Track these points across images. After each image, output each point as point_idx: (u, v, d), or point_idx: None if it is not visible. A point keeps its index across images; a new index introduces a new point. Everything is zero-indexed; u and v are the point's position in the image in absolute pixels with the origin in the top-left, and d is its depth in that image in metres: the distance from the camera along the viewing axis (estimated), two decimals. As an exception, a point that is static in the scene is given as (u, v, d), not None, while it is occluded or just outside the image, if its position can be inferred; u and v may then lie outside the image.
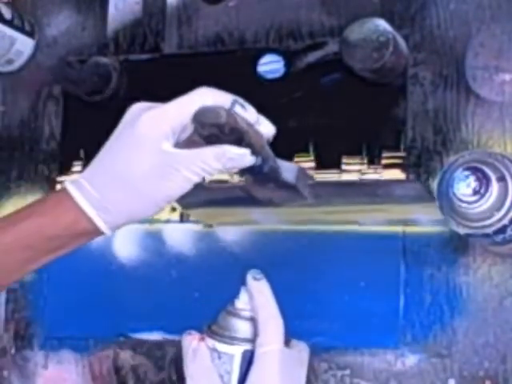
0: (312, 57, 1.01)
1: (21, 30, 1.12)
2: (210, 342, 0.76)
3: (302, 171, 0.79)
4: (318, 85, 1.00)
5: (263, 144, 0.72)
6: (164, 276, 1.02)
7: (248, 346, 0.76)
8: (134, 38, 1.10)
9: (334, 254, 0.96)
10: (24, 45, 1.13)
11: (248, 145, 0.70)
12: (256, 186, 0.78)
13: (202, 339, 0.77)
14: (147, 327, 1.02)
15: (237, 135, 0.69)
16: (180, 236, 1.02)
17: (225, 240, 1.01)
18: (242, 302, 0.77)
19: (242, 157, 0.70)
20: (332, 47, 1.00)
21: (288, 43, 1.03)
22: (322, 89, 1.00)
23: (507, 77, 0.91)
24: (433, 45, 0.97)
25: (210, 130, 0.69)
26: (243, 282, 0.77)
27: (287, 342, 0.77)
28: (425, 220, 0.92)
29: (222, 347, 0.76)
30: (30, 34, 1.13)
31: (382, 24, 0.92)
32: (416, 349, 0.92)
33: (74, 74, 1.08)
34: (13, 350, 1.07)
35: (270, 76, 1.02)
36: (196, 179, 0.71)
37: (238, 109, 0.70)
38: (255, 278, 0.77)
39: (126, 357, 1.02)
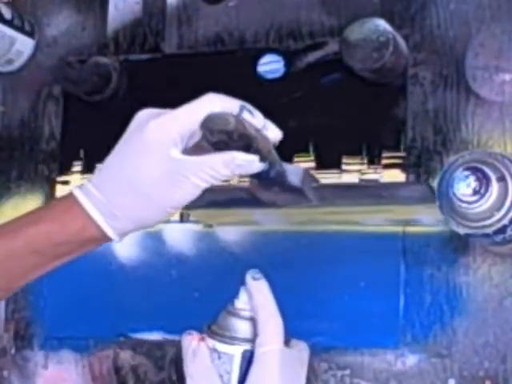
0: (312, 57, 1.02)
1: (21, 30, 1.12)
2: (210, 342, 0.76)
3: (307, 174, 0.79)
4: (318, 85, 1.01)
5: (270, 149, 0.72)
6: (164, 276, 1.02)
7: (248, 346, 0.76)
8: (134, 38, 1.10)
9: (334, 254, 0.96)
10: (24, 45, 1.13)
11: (256, 151, 0.70)
12: (261, 189, 0.78)
13: (202, 339, 0.77)
14: (147, 327, 1.02)
15: (245, 141, 0.69)
16: (180, 236, 1.02)
17: (225, 240, 1.01)
18: (241, 302, 0.77)
19: (251, 163, 0.70)
20: (332, 47, 1.00)
21: (288, 43, 1.03)
22: (322, 89, 1.00)
23: (507, 77, 0.91)
24: (433, 45, 0.97)
25: (219, 137, 0.69)
26: (243, 282, 0.77)
27: (287, 342, 0.77)
28: (428, 220, 0.92)
29: (221, 347, 0.76)
30: (30, 34, 1.13)
31: (382, 24, 0.92)
32: (416, 349, 0.92)
33: (74, 74, 1.08)
34: (13, 350, 1.07)
35: (270, 76, 1.02)
36: (204, 185, 0.71)
37: (245, 115, 0.70)
38: (254, 278, 0.77)
39: (126, 357, 1.02)
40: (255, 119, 0.71)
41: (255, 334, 0.76)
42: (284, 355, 0.76)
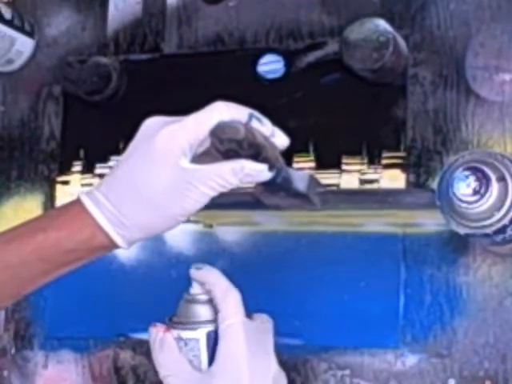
0: (312, 57, 1.01)
1: (21, 29, 1.12)
2: (175, 332, 0.78)
3: (312, 179, 0.79)
4: (318, 85, 1.00)
5: (277, 156, 0.73)
6: (164, 276, 1.02)
7: (211, 327, 0.77)
8: (134, 38, 1.10)
9: (334, 254, 0.96)
10: (24, 45, 1.13)
11: (265, 159, 0.70)
12: (266, 194, 0.79)
13: (168, 329, 0.78)
14: (147, 327, 1.01)
15: (254, 150, 0.69)
16: (180, 236, 1.02)
17: (225, 240, 1.01)
18: (195, 288, 0.78)
19: (260, 172, 0.71)
20: (332, 47, 1.00)
21: (288, 43, 1.03)
22: (322, 89, 1.00)
23: (507, 77, 0.91)
24: (433, 45, 0.97)
25: (229, 145, 0.69)
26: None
27: (249, 316, 0.78)
28: (430, 224, 0.92)
29: (186, 334, 0.77)
30: (30, 34, 1.13)
31: (382, 24, 0.92)
32: (416, 349, 0.92)
33: (74, 74, 1.08)
34: (13, 350, 1.07)
35: (270, 76, 1.02)
36: (213, 194, 0.71)
37: (254, 123, 0.70)
38: (197, 268, 0.78)
39: (126, 357, 1.02)
40: (264, 127, 0.71)
41: (216, 314, 0.77)
42: (247, 326, 0.76)
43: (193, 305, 0.78)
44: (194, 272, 0.78)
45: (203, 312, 0.78)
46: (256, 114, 0.71)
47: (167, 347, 0.77)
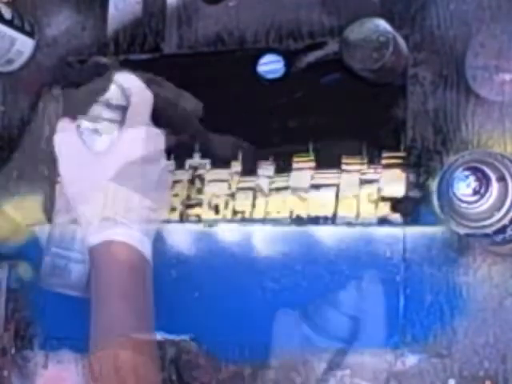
0: (312, 57, 1.01)
1: (21, 30, 1.12)
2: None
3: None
4: (318, 85, 1.00)
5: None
6: (164, 276, 1.02)
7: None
8: (134, 38, 1.10)
9: (334, 254, 0.96)
10: (24, 45, 1.13)
11: None
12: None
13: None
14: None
15: None
16: (180, 236, 1.02)
17: (225, 240, 1.01)
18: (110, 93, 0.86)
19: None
20: (332, 47, 1.00)
21: (288, 43, 1.03)
22: (322, 89, 1.00)
23: (507, 77, 0.91)
24: (433, 45, 0.97)
25: None
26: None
27: None
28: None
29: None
30: (30, 34, 1.13)
31: (382, 24, 0.92)
32: (416, 349, 0.92)
33: (74, 74, 1.08)
34: (13, 350, 1.07)
35: (270, 76, 1.02)
36: None
37: None
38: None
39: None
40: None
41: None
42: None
43: (100, 106, 0.87)
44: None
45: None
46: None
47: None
